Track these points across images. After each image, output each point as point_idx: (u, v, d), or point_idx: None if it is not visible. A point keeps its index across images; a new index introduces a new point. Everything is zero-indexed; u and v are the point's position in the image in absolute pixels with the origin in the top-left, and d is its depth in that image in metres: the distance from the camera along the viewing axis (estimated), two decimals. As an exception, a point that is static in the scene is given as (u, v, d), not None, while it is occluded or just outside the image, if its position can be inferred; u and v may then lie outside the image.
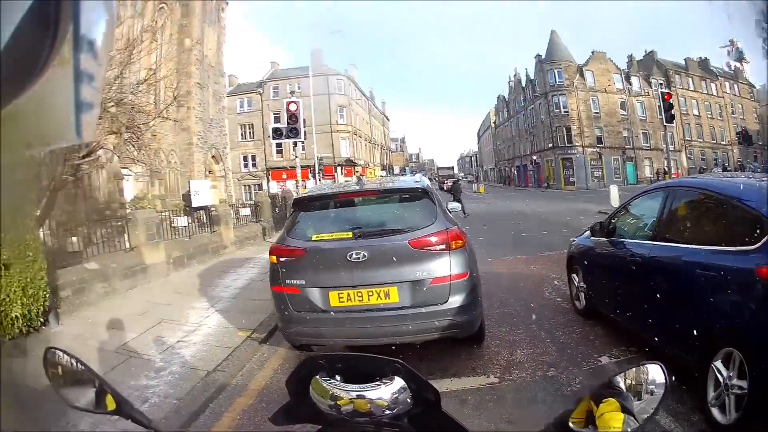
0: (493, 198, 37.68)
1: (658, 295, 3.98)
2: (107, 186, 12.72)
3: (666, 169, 31.28)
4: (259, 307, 6.77)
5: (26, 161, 5.26)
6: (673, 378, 1.10)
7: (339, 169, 45.31)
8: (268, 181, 43.65)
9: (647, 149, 50.65)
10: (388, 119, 77.42)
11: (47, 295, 5.55)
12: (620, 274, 4.81)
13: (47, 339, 5.28)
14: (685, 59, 54.44)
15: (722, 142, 53.28)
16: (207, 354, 5.30)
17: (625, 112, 50.82)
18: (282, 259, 4.56)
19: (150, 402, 4.14)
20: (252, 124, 46.45)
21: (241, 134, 46.33)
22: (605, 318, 5.28)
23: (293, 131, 13.81)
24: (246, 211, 17.28)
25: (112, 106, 9.96)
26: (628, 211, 5.32)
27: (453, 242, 4.41)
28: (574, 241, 6.39)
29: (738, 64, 53.60)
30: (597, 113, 50.54)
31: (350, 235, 4.53)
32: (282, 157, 42.22)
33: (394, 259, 4.33)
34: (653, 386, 1.04)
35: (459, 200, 20.78)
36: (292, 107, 13.95)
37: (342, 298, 4.35)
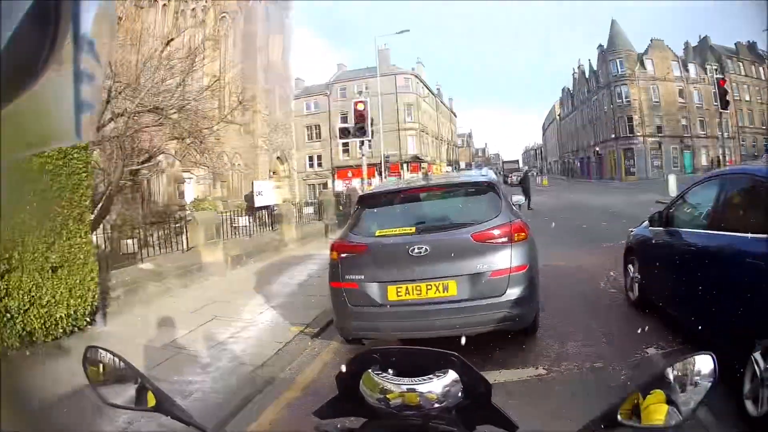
0: (557, 190, 37.24)
1: (708, 285, 3.92)
2: (167, 189, 13.28)
3: (720, 157, 30.06)
4: (314, 304, 6.79)
5: (84, 167, 5.44)
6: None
7: (405, 165, 45.28)
8: (334, 179, 44.13)
9: (704, 137, 49.66)
10: (455, 115, 77.08)
11: (95, 296, 5.69)
12: (673, 264, 4.71)
13: (92, 338, 5.39)
14: (735, 44, 51.78)
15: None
16: (257, 349, 5.29)
17: (683, 100, 50.43)
18: (343, 255, 4.61)
19: (193, 397, 4.14)
20: (318, 125, 47.47)
21: (308, 135, 47.48)
22: (657, 309, 5.20)
23: (361, 130, 13.94)
24: (309, 210, 17.52)
25: (174, 112, 10.30)
26: (685, 200, 5.27)
27: (516, 234, 4.40)
28: (632, 231, 6.31)
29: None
30: (657, 102, 50.29)
31: (413, 230, 4.56)
32: (348, 156, 42.76)
33: (456, 252, 4.33)
34: (700, 377, 1.01)
35: (528, 194, 20.04)
36: (360, 107, 14.06)
37: (400, 292, 4.37)
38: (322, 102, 48.00)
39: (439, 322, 4.30)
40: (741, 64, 50.35)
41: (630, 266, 6.01)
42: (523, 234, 4.44)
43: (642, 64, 50.32)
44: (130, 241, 8.06)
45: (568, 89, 70.80)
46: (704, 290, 3.94)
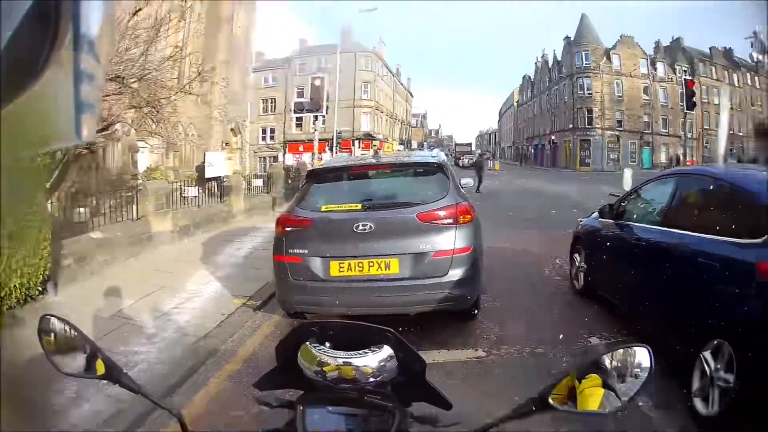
0: (508, 175, 37.32)
1: (658, 281, 3.97)
2: (122, 158, 12.94)
3: (680, 155, 30.85)
4: (258, 276, 6.81)
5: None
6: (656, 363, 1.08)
7: (357, 142, 45.05)
8: (284, 153, 43.40)
9: (665, 135, 50.51)
10: (412, 95, 76.83)
11: (47, 265, 5.62)
12: (622, 257, 4.82)
13: (44, 308, 5.30)
14: (710, 48, 52.96)
15: (739, 134, 51.06)
16: (201, 321, 5.32)
17: (647, 97, 50.77)
18: (288, 229, 4.62)
19: (139, 368, 4.16)
20: (274, 99, 46.66)
21: (263, 108, 46.60)
22: (602, 299, 5.29)
23: (315, 105, 13.95)
24: (258, 182, 17.27)
25: (134, 81, 10.08)
26: (639, 195, 5.30)
27: (461, 216, 4.45)
28: (581, 221, 6.39)
29: (761, 57, 51.17)
30: (620, 97, 50.61)
31: (359, 206, 4.60)
32: (301, 130, 42.17)
33: (400, 231, 4.40)
34: (638, 369, 1.02)
35: (480, 176, 20.51)
36: (317, 82, 14.07)
37: (342, 267, 4.40)
38: (280, 76, 47.11)
39: (381, 300, 4.38)
40: (714, 68, 51.01)
41: (576, 255, 6.07)
42: (468, 216, 4.50)
43: (608, 58, 50.76)
44: (82, 210, 7.89)
45: (529, 77, 70.40)
46: (653, 286, 4.02)
